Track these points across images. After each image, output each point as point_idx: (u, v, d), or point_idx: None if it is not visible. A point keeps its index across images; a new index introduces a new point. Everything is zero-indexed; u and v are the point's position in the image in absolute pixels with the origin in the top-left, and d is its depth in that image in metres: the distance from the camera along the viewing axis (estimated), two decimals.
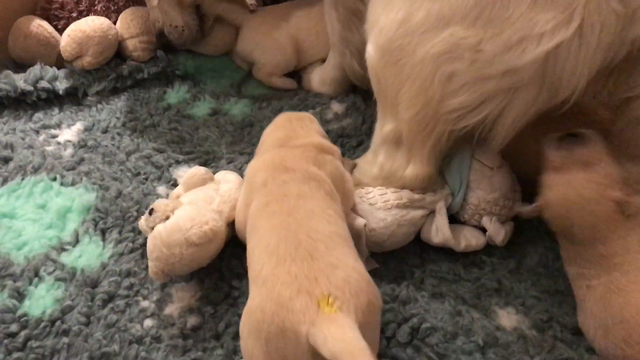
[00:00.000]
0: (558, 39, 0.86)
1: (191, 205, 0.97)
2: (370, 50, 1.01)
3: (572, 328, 0.98)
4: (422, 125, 1.00)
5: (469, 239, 1.08)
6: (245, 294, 0.97)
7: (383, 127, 1.06)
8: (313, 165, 0.97)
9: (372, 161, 1.10)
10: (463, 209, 1.09)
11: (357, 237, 1.01)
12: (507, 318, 1.00)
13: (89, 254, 1.05)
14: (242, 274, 1.00)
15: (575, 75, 0.90)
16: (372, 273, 1.03)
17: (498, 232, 1.07)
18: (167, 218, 0.95)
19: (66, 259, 1.05)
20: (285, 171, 0.94)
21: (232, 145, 1.30)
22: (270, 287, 0.77)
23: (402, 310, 0.95)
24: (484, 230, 1.09)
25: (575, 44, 0.87)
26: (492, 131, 0.99)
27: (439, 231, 1.06)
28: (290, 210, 0.86)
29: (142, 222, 0.98)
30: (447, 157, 1.09)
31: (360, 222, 1.03)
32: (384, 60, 0.98)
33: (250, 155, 1.28)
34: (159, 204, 0.96)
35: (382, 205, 1.04)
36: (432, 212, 1.08)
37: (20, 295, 0.99)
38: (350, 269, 0.80)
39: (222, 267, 1.02)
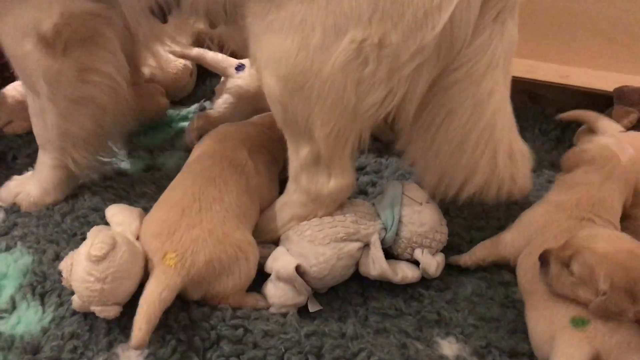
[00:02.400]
0: (455, 2, 0.93)
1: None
2: (271, 83, 1.01)
3: (508, 352, 1.03)
4: (339, 137, 1.03)
5: (405, 271, 1.13)
6: (193, 347, 0.98)
7: (299, 153, 1.08)
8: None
9: (295, 190, 1.12)
10: (396, 243, 1.15)
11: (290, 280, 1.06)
12: (449, 347, 1.05)
13: (28, 320, 1.02)
14: (188, 326, 1.00)
15: (466, 32, 0.97)
16: (318, 313, 1.08)
17: (430, 263, 1.13)
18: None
19: (3, 327, 1.02)
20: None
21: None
22: (147, 220, 1.07)
23: (350, 345, 0.98)
24: (417, 263, 1.14)
25: (465, 5, 0.94)
26: (400, 112, 1.03)
27: (376, 263, 1.10)
28: (205, 177, 1.10)
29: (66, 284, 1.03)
30: (379, 195, 1.15)
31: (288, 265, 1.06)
32: (288, 89, 1.00)
33: None
34: (62, 265, 1.04)
35: (320, 241, 1.08)
36: (367, 245, 1.12)
37: None
38: (206, 230, 1.00)
39: (168, 321, 1.01)
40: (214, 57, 1.50)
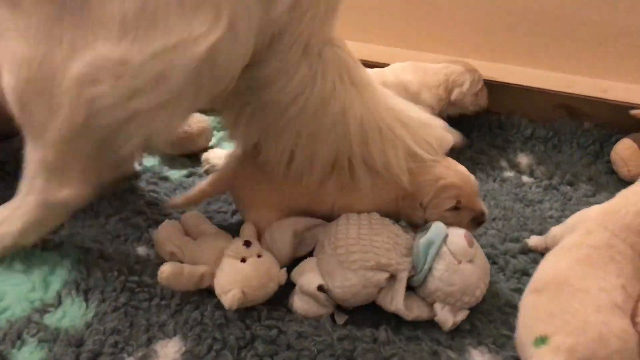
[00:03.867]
0: (213, 38, 0.90)
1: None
2: (11, 81, 0.97)
3: None
4: (71, 148, 1.00)
5: (422, 310, 1.09)
6: (228, 346, 1.01)
7: (33, 156, 1.04)
8: None
9: (29, 191, 1.08)
10: (420, 288, 1.09)
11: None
12: (481, 356, 1.05)
13: (73, 315, 1.07)
14: (224, 324, 1.03)
15: (233, 64, 0.95)
16: (351, 319, 1.09)
17: (446, 320, 1.07)
18: (259, 255, 1.07)
19: (49, 320, 1.06)
20: None
21: (209, 205, 1.35)
22: None
23: (382, 350, 0.99)
24: None
25: (229, 37, 0.91)
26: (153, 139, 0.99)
27: (394, 300, 1.06)
28: None
29: (231, 249, 1.08)
30: (423, 229, 1.12)
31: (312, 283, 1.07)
32: (29, 90, 0.96)
33: (226, 214, 1.33)
34: (254, 241, 1.11)
35: (350, 265, 1.05)
36: (393, 276, 1.07)
37: (3, 359, 1.00)
38: None
39: (204, 319, 1.04)
40: None
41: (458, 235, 1.09)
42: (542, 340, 0.97)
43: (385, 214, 1.16)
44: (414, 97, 1.46)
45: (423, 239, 1.09)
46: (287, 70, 1.00)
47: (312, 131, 1.06)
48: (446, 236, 1.09)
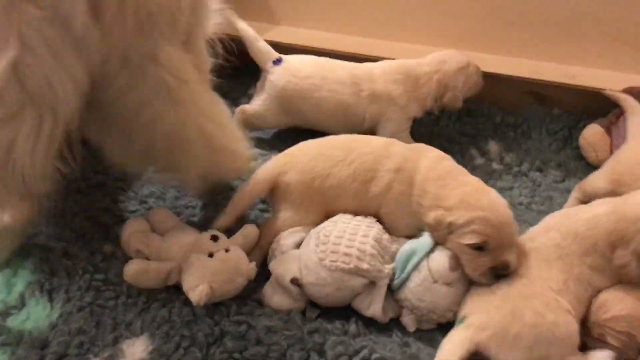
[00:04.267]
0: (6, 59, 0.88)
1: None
2: None
3: None
4: None
5: (396, 311, 1.08)
6: (196, 342, 0.99)
7: None
8: None
9: None
10: (394, 290, 1.08)
11: None
12: None
13: (37, 316, 1.05)
14: (192, 321, 1.02)
15: (55, 82, 0.92)
16: (322, 312, 1.08)
17: (410, 325, 1.07)
18: (227, 250, 1.06)
19: (12, 322, 1.04)
20: None
21: (177, 200, 1.33)
22: None
23: (352, 342, 0.99)
24: None
25: (28, 56, 0.89)
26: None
27: (372, 306, 1.05)
28: None
29: (198, 244, 1.07)
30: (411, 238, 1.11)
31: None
32: None
33: (195, 209, 1.31)
34: (221, 235, 1.09)
35: (328, 264, 1.04)
36: (373, 283, 1.06)
37: None
38: None
39: (172, 317, 1.03)
40: (260, 45, 1.49)
41: (443, 255, 1.07)
42: (461, 320, 1.00)
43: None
44: (401, 110, 1.45)
45: (407, 247, 1.09)
46: (109, 78, 1.00)
47: (128, 134, 1.08)
48: (430, 251, 1.08)
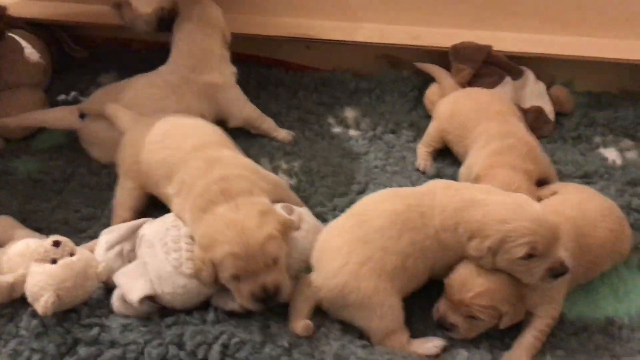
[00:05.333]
0: None
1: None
2: None
3: None
4: None
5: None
6: (48, 355, 0.95)
7: None
8: None
9: None
10: None
11: None
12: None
13: None
14: (42, 333, 0.97)
15: None
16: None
17: None
18: (72, 254, 1.00)
19: None
20: None
21: (25, 205, 1.26)
22: None
23: (211, 330, 0.98)
24: None
25: None
26: None
27: (230, 302, 1.04)
28: None
29: (38, 252, 1.00)
30: None
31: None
32: None
33: (44, 212, 1.25)
34: (64, 240, 1.01)
35: (184, 270, 1.02)
36: None
37: None
38: None
39: (20, 331, 0.98)
40: None
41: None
42: (307, 269, 1.07)
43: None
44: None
45: None
46: None
47: None
48: None
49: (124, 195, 1.21)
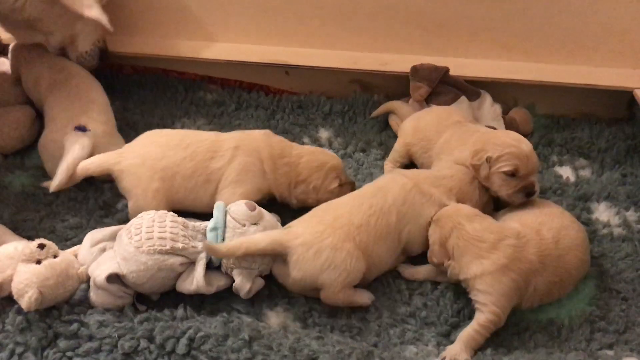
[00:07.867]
0: None
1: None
2: None
3: (327, 312, 1.18)
4: None
5: (221, 281, 1.17)
6: (30, 347, 1.04)
7: None
8: None
9: None
10: (220, 261, 1.18)
11: None
12: (276, 317, 1.17)
13: None
14: (26, 328, 1.06)
15: None
16: (156, 303, 1.16)
17: (243, 286, 1.16)
18: (55, 256, 1.11)
19: None
20: None
21: (15, 215, 1.36)
22: None
23: (180, 325, 1.08)
24: None
25: None
26: None
27: (195, 280, 1.14)
28: None
29: (25, 253, 1.10)
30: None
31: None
32: None
33: (33, 221, 1.35)
34: (49, 243, 1.12)
35: (146, 249, 1.12)
36: (192, 263, 1.16)
37: None
38: None
39: (5, 327, 1.07)
40: None
41: (239, 204, 1.23)
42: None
43: None
44: None
45: (209, 226, 1.20)
46: None
47: None
48: (226, 212, 1.22)
49: None
